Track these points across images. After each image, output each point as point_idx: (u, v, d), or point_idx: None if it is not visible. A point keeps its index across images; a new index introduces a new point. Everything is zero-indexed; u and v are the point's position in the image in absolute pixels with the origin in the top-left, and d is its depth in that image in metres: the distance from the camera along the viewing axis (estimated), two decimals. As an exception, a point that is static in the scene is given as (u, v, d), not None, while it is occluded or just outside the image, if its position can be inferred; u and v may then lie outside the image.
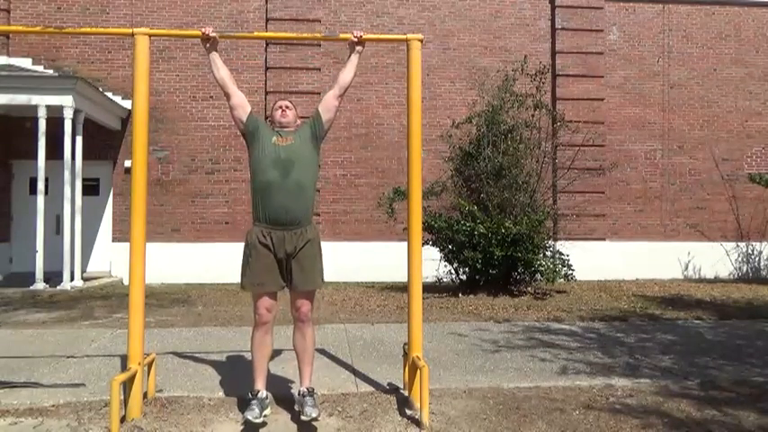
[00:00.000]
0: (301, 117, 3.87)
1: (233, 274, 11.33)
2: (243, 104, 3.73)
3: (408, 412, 3.59)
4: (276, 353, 4.98)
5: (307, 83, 11.85)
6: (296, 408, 3.52)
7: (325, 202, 11.85)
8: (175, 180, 11.74)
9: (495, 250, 8.66)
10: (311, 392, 3.45)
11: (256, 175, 3.55)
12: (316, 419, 3.33)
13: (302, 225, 3.53)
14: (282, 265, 3.51)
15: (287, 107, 3.74)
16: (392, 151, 12.10)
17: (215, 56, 3.79)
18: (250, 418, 3.28)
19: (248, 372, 4.39)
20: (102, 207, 11.72)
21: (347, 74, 3.83)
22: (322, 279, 3.62)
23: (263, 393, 3.46)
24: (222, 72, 3.74)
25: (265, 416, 3.39)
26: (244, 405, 3.37)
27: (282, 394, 3.90)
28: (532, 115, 9.71)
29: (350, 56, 3.88)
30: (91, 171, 11.20)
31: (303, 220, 3.54)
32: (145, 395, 3.68)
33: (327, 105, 3.80)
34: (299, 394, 3.47)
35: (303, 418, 3.31)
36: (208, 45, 3.80)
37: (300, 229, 3.52)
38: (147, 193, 3.75)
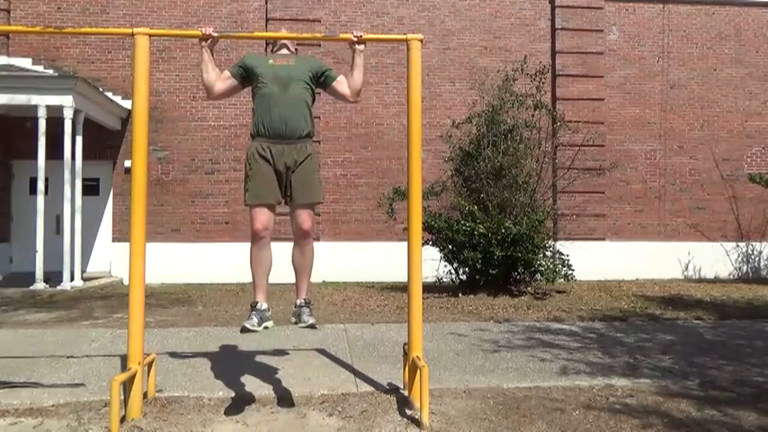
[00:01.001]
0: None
1: (233, 274, 11.33)
2: (223, 85, 3.75)
3: (408, 412, 3.59)
4: (278, 353, 4.99)
5: (307, 83, 11.83)
6: (293, 319, 3.62)
7: (326, 202, 11.82)
8: (175, 180, 11.74)
9: (495, 250, 8.66)
10: (308, 303, 3.58)
11: (257, 92, 3.61)
12: (313, 327, 3.48)
13: (302, 139, 3.55)
14: (282, 178, 3.52)
15: (289, 42, 3.87)
16: (392, 151, 12.10)
17: (208, 56, 3.71)
18: (248, 326, 3.33)
19: (248, 372, 4.41)
20: (102, 207, 11.72)
21: (357, 79, 3.80)
22: (322, 194, 3.69)
23: (262, 305, 3.50)
24: (213, 75, 3.70)
25: (265, 327, 3.45)
26: (244, 318, 3.45)
27: (282, 394, 3.89)
28: (532, 115, 9.70)
29: (354, 58, 3.80)
30: (91, 171, 11.20)
31: (302, 134, 3.56)
32: (145, 395, 3.68)
33: (341, 88, 3.80)
34: (295, 306, 3.57)
35: (300, 325, 3.46)
36: (205, 43, 3.71)
37: (300, 144, 3.55)
38: (147, 193, 3.74)
